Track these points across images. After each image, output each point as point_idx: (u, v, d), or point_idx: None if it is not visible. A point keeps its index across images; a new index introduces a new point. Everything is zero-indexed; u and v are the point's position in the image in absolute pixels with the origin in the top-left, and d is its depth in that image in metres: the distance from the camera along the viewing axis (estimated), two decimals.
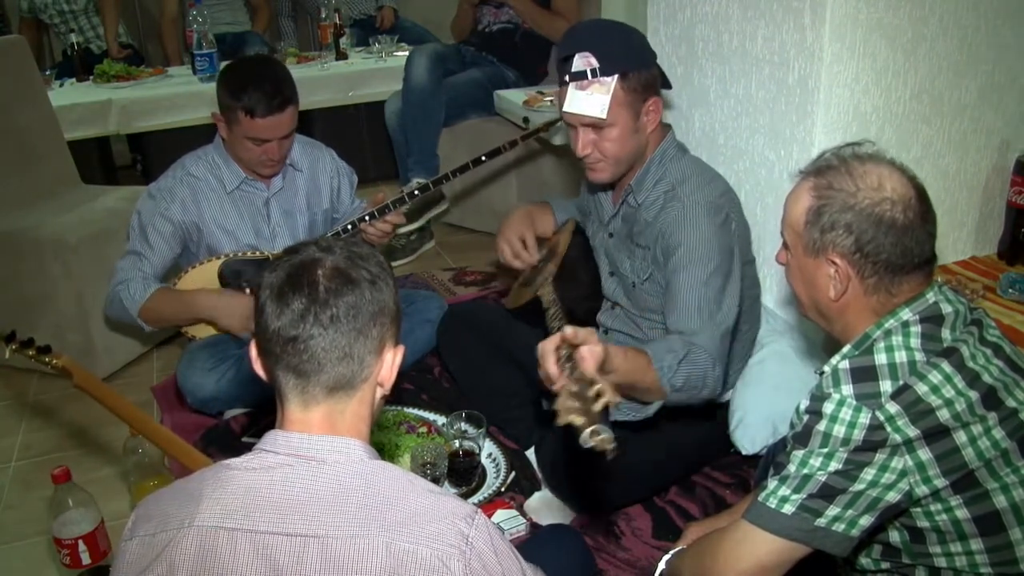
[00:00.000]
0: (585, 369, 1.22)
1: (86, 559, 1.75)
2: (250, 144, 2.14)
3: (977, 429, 1.14)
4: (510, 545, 1.02)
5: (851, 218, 1.18)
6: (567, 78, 1.74)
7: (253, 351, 1.05)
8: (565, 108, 1.76)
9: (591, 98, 1.72)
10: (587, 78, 1.71)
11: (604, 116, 1.72)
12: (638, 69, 1.73)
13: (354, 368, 1.01)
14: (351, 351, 1.00)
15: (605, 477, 1.84)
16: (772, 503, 1.19)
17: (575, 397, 1.11)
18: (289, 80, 2.15)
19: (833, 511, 1.15)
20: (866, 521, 1.16)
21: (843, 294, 1.22)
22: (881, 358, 1.17)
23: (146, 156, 4.11)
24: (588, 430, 1.04)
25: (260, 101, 2.06)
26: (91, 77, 3.88)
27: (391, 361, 1.05)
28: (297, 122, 2.19)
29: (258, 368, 1.05)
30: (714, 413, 1.95)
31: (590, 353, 1.27)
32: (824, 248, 1.21)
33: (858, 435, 1.13)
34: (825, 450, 1.15)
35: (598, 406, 1.10)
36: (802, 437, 1.18)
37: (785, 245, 1.31)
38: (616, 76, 1.71)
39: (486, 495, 1.93)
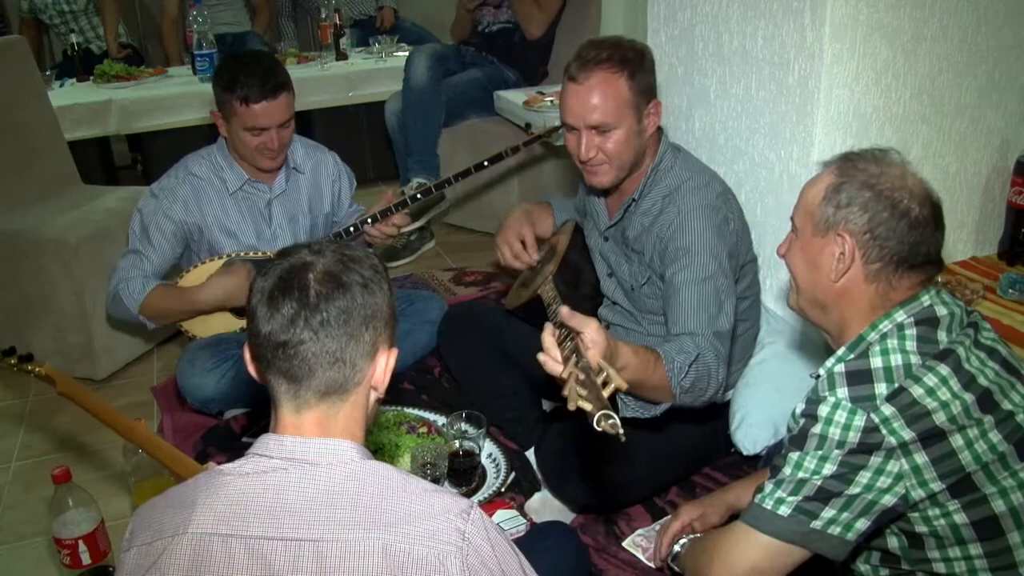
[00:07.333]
0: (591, 359, 1.21)
1: (86, 559, 1.75)
2: (249, 136, 2.14)
3: (973, 432, 1.14)
4: (507, 538, 1.01)
5: (869, 197, 1.20)
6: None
7: (247, 354, 1.04)
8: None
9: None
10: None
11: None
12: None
13: (346, 372, 1.00)
14: (342, 355, 0.99)
15: (605, 478, 1.84)
16: (768, 505, 1.19)
17: (583, 385, 1.10)
18: (281, 69, 2.18)
19: (828, 513, 1.15)
20: (862, 525, 1.16)
21: (844, 274, 1.22)
22: (876, 361, 1.17)
23: (146, 156, 4.12)
24: (598, 414, 1.04)
25: (254, 87, 2.08)
26: (91, 77, 3.89)
27: (384, 364, 1.04)
28: (294, 113, 2.19)
29: (252, 371, 1.05)
30: (714, 414, 1.95)
31: (593, 344, 1.26)
32: (835, 224, 1.22)
33: (853, 437, 1.13)
34: (820, 452, 1.15)
35: (606, 392, 1.09)
36: (798, 440, 1.18)
37: (793, 228, 1.31)
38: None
39: (486, 495, 1.93)
